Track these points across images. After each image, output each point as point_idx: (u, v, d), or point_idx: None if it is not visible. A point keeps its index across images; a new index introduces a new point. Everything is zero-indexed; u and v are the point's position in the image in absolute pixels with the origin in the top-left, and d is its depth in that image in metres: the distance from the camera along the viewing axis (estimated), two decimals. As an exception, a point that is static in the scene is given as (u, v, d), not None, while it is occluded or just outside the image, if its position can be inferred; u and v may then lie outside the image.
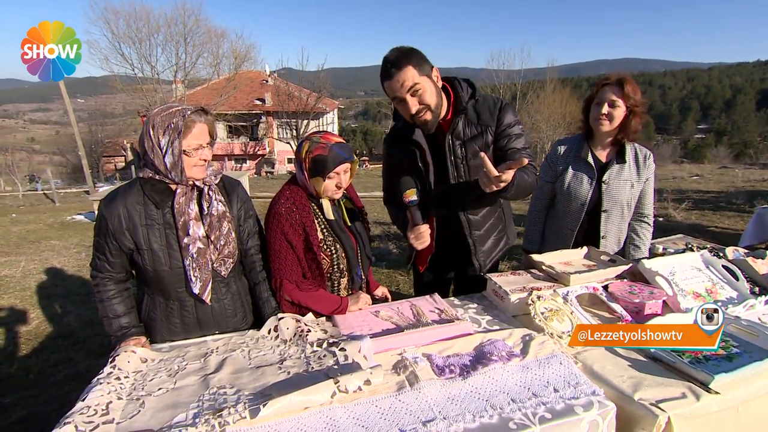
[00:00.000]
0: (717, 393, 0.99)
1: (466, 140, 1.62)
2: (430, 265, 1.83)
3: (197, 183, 1.39)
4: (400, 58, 1.45)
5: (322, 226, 1.55)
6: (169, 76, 23.05)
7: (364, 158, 36.12)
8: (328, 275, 1.58)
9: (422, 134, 1.64)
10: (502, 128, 1.62)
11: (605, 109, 1.83)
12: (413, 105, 1.50)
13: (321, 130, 1.60)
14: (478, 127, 1.62)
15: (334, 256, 1.56)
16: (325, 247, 1.54)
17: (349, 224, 1.62)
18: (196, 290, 1.37)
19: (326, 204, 1.55)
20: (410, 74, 1.45)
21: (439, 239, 1.69)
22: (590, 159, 1.93)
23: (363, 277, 1.71)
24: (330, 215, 1.55)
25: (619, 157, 1.92)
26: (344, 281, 1.63)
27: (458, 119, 1.61)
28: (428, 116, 1.53)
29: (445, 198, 1.68)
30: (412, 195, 1.50)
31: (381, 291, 1.86)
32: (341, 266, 1.59)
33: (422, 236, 1.52)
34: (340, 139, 1.51)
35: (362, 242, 1.66)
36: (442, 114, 1.60)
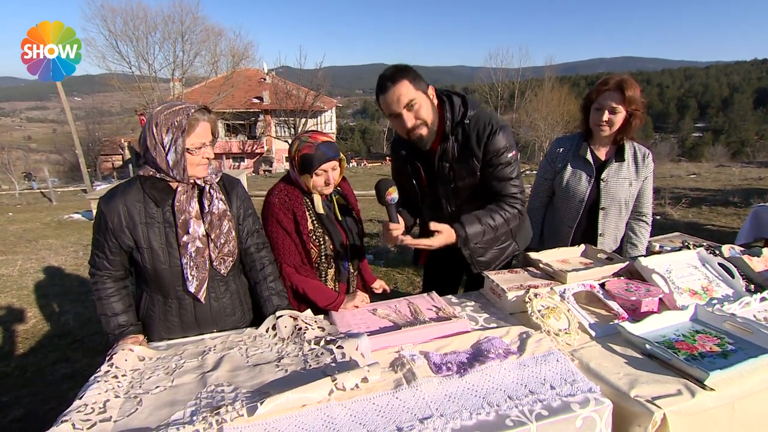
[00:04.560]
0: (712, 390, 0.99)
1: (453, 162, 1.61)
2: (437, 266, 1.95)
3: (198, 182, 1.39)
4: (396, 73, 1.46)
5: (313, 218, 1.62)
6: (167, 74, 22.93)
7: (362, 158, 36.15)
8: (316, 264, 1.66)
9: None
10: (489, 157, 1.58)
11: (606, 116, 1.83)
12: (409, 120, 1.47)
13: (311, 129, 1.67)
14: (464, 152, 1.59)
15: (322, 246, 1.64)
16: (314, 237, 1.62)
17: (340, 219, 1.67)
18: (192, 289, 1.38)
19: (317, 199, 1.62)
20: (406, 88, 1.44)
21: (438, 250, 1.61)
22: (589, 157, 1.94)
23: (352, 270, 1.76)
24: (320, 209, 1.61)
25: (618, 155, 1.92)
26: (331, 272, 1.70)
27: (446, 144, 1.59)
28: (423, 131, 1.52)
29: (439, 215, 1.68)
30: (394, 192, 1.44)
31: (379, 284, 1.88)
32: (328, 257, 1.66)
33: (390, 237, 1.47)
34: (327, 138, 1.58)
35: (352, 237, 1.71)
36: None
